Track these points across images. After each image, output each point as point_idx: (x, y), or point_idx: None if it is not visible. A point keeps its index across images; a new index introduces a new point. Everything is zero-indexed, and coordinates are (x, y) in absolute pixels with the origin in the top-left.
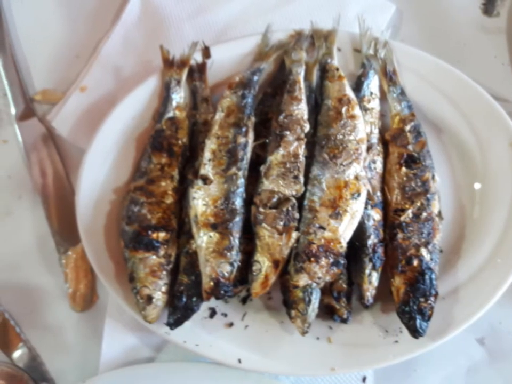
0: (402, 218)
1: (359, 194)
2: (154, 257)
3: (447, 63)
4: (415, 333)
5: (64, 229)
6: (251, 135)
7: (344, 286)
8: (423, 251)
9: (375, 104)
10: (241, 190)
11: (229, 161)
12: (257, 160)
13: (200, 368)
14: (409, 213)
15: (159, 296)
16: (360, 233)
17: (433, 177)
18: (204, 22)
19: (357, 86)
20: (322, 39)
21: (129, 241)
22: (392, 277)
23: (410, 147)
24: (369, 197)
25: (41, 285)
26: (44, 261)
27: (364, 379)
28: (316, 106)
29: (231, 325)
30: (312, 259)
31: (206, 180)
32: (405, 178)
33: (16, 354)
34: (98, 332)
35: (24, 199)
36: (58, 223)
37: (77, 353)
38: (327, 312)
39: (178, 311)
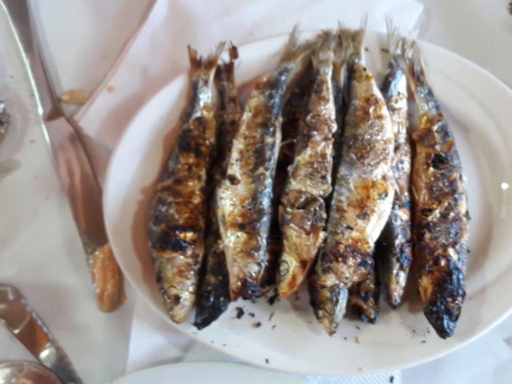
0: (429, 218)
1: (386, 194)
2: (181, 257)
3: (474, 63)
4: (443, 333)
5: (92, 229)
6: (278, 135)
7: (372, 286)
8: (451, 251)
9: (402, 104)
10: (268, 190)
11: (256, 161)
12: (285, 160)
13: (227, 368)
14: (437, 213)
15: (187, 296)
16: (387, 233)
17: (460, 177)
18: (231, 22)
19: (384, 86)
20: (349, 39)
21: (157, 241)
22: (420, 277)
23: (437, 147)
24: (397, 197)
25: (69, 285)
26: (71, 261)
27: (391, 379)
28: (343, 106)
29: (258, 325)
30: (340, 259)
31: (233, 180)
32: (432, 178)
33: (44, 354)
34: (125, 332)
35: (52, 199)
36: (85, 223)
37: (104, 353)
38: (355, 312)
39: (206, 311)
